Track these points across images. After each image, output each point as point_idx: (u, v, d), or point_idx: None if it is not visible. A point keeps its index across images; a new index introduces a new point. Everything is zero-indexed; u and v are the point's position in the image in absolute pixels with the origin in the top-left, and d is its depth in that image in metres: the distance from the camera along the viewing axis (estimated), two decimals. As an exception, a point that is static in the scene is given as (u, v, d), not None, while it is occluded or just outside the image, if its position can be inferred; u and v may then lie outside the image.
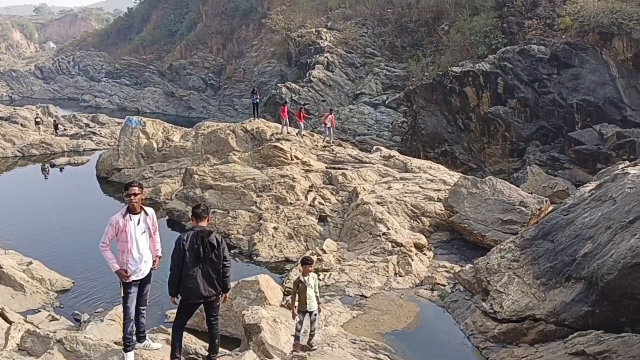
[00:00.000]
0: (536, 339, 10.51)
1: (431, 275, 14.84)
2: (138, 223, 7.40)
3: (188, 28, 79.96)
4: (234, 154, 25.26)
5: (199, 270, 7.13)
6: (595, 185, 12.96)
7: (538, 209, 16.68)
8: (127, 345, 7.52)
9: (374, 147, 28.96)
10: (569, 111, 31.26)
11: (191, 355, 8.97)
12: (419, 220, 18.69)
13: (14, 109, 49.85)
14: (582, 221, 11.43)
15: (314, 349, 9.55)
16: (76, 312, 14.59)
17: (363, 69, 47.70)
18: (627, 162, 16.19)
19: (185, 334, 8.06)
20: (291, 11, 59.77)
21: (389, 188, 21.21)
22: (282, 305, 12.89)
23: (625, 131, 28.59)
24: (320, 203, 20.82)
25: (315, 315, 9.49)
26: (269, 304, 12.40)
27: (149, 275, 7.69)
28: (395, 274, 15.00)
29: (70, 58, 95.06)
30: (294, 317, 9.39)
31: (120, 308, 8.49)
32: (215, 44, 73.12)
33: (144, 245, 7.49)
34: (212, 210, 20.34)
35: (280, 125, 28.46)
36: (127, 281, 7.37)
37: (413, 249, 16.32)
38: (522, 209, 16.77)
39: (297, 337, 9.44)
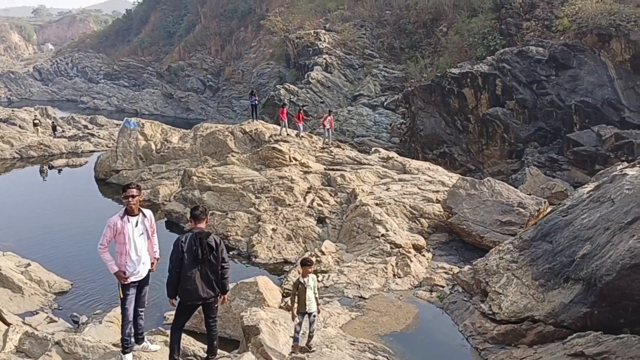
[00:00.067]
0: (535, 340, 10.51)
1: (430, 277, 14.84)
2: (136, 225, 7.40)
3: (186, 29, 79.97)
4: (232, 156, 25.24)
5: (198, 272, 7.12)
6: (594, 187, 12.96)
7: (536, 210, 16.69)
8: (125, 347, 7.51)
9: (373, 149, 28.97)
10: (567, 112, 31.31)
11: (189, 357, 8.94)
12: (417, 222, 18.70)
13: (12, 110, 49.82)
14: (580, 222, 11.44)
15: (313, 351, 9.54)
16: (74, 313, 14.56)
17: (361, 70, 47.73)
18: (626, 163, 16.19)
19: (183, 335, 8.05)
20: (290, 13, 59.80)
21: (387, 189, 21.21)
22: (280, 307, 12.87)
23: (624, 132, 28.65)
24: (318, 204, 20.81)
25: (314, 316, 9.48)
26: (268, 306, 12.38)
27: (147, 276, 7.68)
28: (394, 275, 14.99)
29: (69, 60, 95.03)
30: (293, 319, 9.38)
31: (118, 310, 8.46)
32: (213, 46, 73.13)
33: (142, 247, 7.48)
34: (210, 211, 20.34)
35: (279, 127, 28.45)
36: (126, 283, 7.36)
37: (412, 250, 16.32)
38: (521, 210, 16.78)
39: (296, 339, 9.43)
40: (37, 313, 14.26)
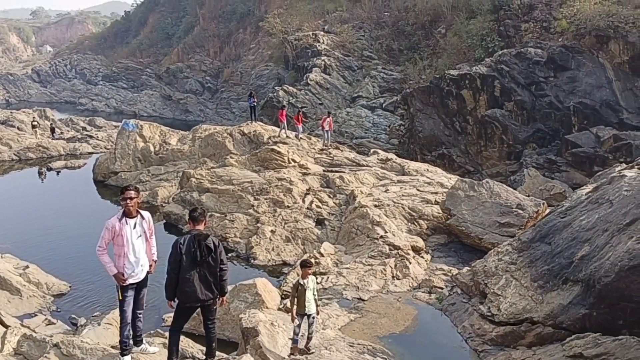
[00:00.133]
0: (534, 341, 10.51)
1: (429, 278, 14.83)
2: (134, 227, 7.39)
3: (185, 31, 80.00)
4: (231, 157, 25.23)
5: (196, 274, 7.12)
6: (592, 188, 12.97)
7: (535, 212, 16.69)
8: (124, 349, 7.51)
9: (372, 150, 28.97)
10: (565, 114, 31.36)
11: (188, 359, 8.94)
12: (416, 223, 18.69)
13: (11, 112, 49.75)
14: (579, 224, 11.44)
15: (312, 353, 9.53)
16: (73, 316, 14.53)
17: (360, 72, 47.76)
18: (624, 165, 16.21)
19: (182, 337, 8.05)
20: (288, 14, 59.85)
21: (386, 191, 21.21)
22: (279, 309, 12.86)
23: (622, 134, 28.69)
24: (317, 206, 20.80)
25: (313, 318, 9.47)
26: (267, 308, 12.37)
27: (146, 279, 7.68)
28: (393, 277, 14.99)
29: (67, 61, 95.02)
30: (292, 320, 9.37)
31: (117, 312, 8.46)
32: (212, 47, 73.16)
33: (141, 249, 7.48)
34: (209, 213, 20.34)
35: (277, 129, 28.46)
36: (124, 285, 7.35)
37: (410, 252, 16.31)
38: (520, 211, 16.78)
39: (295, 341, 9.42)
40: (36, 315, 14.24)
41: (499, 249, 13.16)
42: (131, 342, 7.64)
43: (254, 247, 18.71)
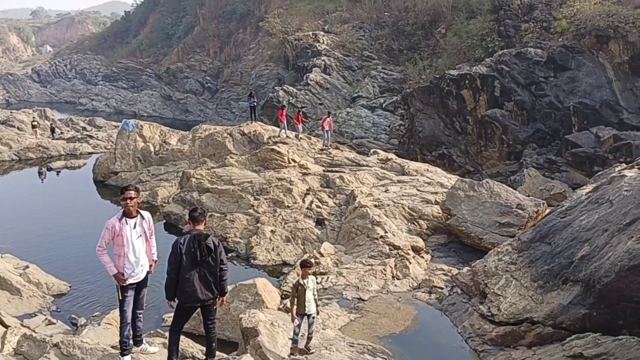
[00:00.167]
0: (534, 341, 10.51)
1: (429, 278, 14.83)
2: (134, 227, 7.39)
3: (185, 31, 80.00)
4: (231, 157, 25.23)
5: (196, 274, 7.12)
6: (592, 188, 12.97)
7: (535, 212, 16.69)
8: (124, 349, 7.51)
9: (372, 150, 28.97)
10: (565, 114, 31.36)
11: (188, 359, 8.94)
12: (416, 223, 18.69)
13: (11, 112, 49.76)
14: (579, 224, 11.44)
15: (312, 353, 9.54)
16: (73, 316, 14.54)
17: (360, 72, 47.76)
18: (624, 165, 16.21)
19: (182, 337, 8.05)
20: (288, 14, 59.85)
21: (386, 191, 21.21)
22: (279, 309, 12.86)
23: (622, 134, 28.69)
24: (317, 206, 20.80)
25: (313, 318, 9.47)
26: (267, 308, 12.37)
27: (146, 279, 7.68)
28: (393, 277, 14.99)
29: (67, 61, 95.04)
30: (293, 320, 9.37)
31: (117, 312, 8.46)
32: (212, 47, 73.16)
33: (141, 249, 7.48)
34: (209, 213, 20.35)
35: (277, 129, 28.46)
36: (124, 285, 7.35)
37: (410, 251, 16.31)
38: (520, 211, 16.78)
39: (295, 341, 9.42)
40: (36, 315, 14.25)
41: (499, 249, 13.16)
42: (131, 342, 7.64)
43: (254, 247, 18.71)
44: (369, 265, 15.51)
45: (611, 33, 31.07)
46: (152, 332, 10.36)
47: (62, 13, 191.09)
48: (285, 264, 18.02)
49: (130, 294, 7.45)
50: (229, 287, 11.15)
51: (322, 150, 26.64)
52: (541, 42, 34.17)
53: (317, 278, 12.17)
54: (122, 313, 7.47)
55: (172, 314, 7.65)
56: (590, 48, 31.91)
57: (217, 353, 7.95)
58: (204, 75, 71.51)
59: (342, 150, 27.34)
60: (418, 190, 21.13)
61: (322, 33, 52.01)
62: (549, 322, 10.39)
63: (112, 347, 8.41)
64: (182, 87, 71.84)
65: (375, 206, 19.15)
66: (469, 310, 12.35)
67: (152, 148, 30.09)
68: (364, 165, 24.48)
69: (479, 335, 11.42)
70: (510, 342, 10.86)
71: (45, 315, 14.30)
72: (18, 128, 43.73)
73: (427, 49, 45.27)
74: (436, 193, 20.49)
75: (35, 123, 43.15)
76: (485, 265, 12.75)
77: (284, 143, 25.90)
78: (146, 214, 7.62)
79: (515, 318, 11.00)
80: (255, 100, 31.19)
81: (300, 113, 29.26)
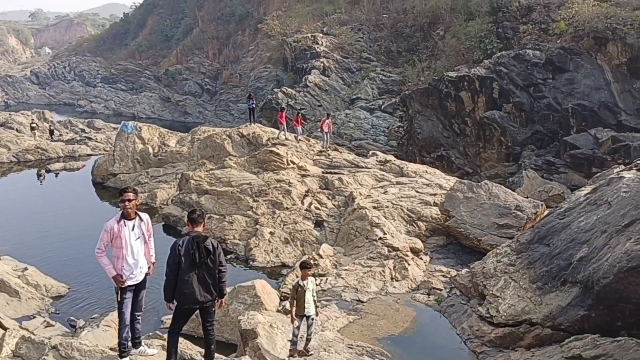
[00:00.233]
0: (532, 343, 10.51)
1: (427, 280, 14.84)
2: (133, 229, 7.39)
3: (184, 33, 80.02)
4: (230, 159, 25.23)
5: (195, 276, 7.11)
6: (591, 190, 12.99)
7: (534, 213, 16.71)
8: (122, 351, 7.50)
9: (370, 152, 28.99)
10: (564, 116, 31.39)
11: (187, 361, 8.93)
12: (415, 225, 18.70)
13: (10, 114, 49.82)
14: (577, 225, 11.45)
15: (311, 354, 9.53)
16: (71, 318, 14.54)
17: (359, 73, 47.78)
18: (622, 166, 16.24)
19: (181, 339, 8.04)
20: (287, 16, 59.90)
21: (385, 193, 21.22)
22: (278, 311, 12.86)
23: (620, 135, 28.71)
24: (316, 208, 20.80)
25: (312, 319, 9.47)
26: (266, 309, 12.37)
27: (144, 280, 7.68)
28: (392, 278, 14.99)
29: (66, 63, 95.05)
30: (292, 322, 9.36)
31: (115, 314, 8.46)
32: (211, 49, 73.19)
33: (139, 250, 7.48)
34: (208, 215, 20.35)
35: (276, 130, 28.48)
36: (123, 287, 7.35)
37: (409, 253, 16.32)
38: (518, 213, 16.79)
39: (294, 342, 9.41)
40: (34, 317, 14.23)
41: (498, 251, 13.16)
42: (130, 344, 7.64)
43: (252, 248, 18.70)
44: (367, 266, 15.51)
45: (609, 35, 31.11)
46: (150, 334, 10.34)
47: (61, 15, 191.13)
48: (284, 265, 18.02)
49: (129, 295, 7.45)
50: (228, 289, 11.15)
51: (321, 152, 26.66)
52: (539, 43, 34.21)
53: (316, 280, 12.17)
54: (121, 315, 7.47)
55: (170, 316, 7.64)
56: (588, 50, 31.95)
57: (216, 355, 7.95)
58: (203, 77, 71.53)
59: (341, 152, 27.35)
60: (417, 191, 21.15)
61: (320, 35, 52.05)
62: (547, 323, 10.40)
63: (111, 349, 8.40)
64: (181, 89, 71.85)
65: (374, 208, 19.15)
66: (467, 312, 12.35)
67: (150, 150, 30.09)
68: (362, 167, 24.49)
69: (478, 336, 11.42)
70: (509, 344, 10.86)
71: (43, 317, 14.29)
72: (17, 130, 43.73)
73: (426, 50, 45.31)
74: (435, 195, 20.51)
75: (34, 125, 43.18)
76: (484, 267, 12.75)
77: (283, 145, 25.91)
78: (145, 216, 7.63)
79: (514, 319, 11.00)
80: (254, 102, 31.21)
81: (300, 115, 29.27)
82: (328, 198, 21.47)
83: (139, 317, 7.76)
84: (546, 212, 16.09)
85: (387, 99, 43.74)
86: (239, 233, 20.00)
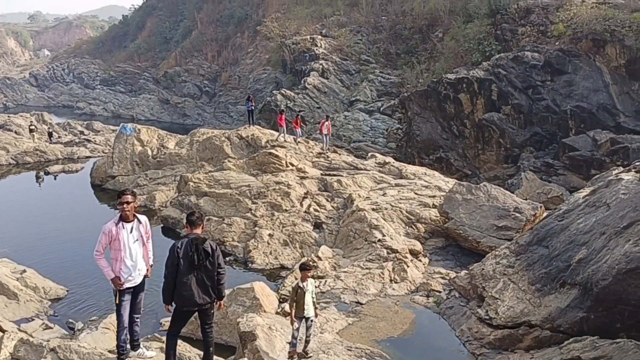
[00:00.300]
0: (532, 345, 10.51)
1: (427, 282, 14.84)
2: (131, 231, 7.39)
3: (183, 35, 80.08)
4: (229, 161, 25.23)
5: (194, 278, 7.10)
6: (590, 191, 13.00)
7: (533, 215, 16.72)
8: (120, 354, 7.49)
9: (369, 154, 29.00)
10: (562, 117, 31.43)
11: (186, 364, 8.92)
12: (414, 227, 18.69)
13: (8, 116, 49.77)
14: (576, 227, 11.46)
15: (310, 357, 9.52)
16: (70, 320, 14.51)
17: (358, 75, 47.83)
18: (621, 168, 16.25)
19: (179, 342, 8.02)
20: (286, 18, 59.98)
21: (384, 194, 21.22)
22: (277, 313, 12.84)
23: (619, 137, 28.75)
24: (315, 210, 20.80)
25: (311, 321, 9.45)
26: (264, 312, 12.35)
27: (143, 283, 7.67)
28: (391, 280, 14.98)
29: (65, 65, 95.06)
30: (292, 324, 9.35)
31: (114, 316, 8.45)
32: (210, 51, 73.23)
33: (138, 253, 7.47)
34: (207, 217, 20.33)
35: (275, 133, 28.48)
36: (121, 289, 7.34)
37: (408, 255, 16.31)
38: (517, 215, 16.80)
39: (293, 344, 9.39)
40: (33, 320, 14.19)
41: (497, 252, 13.17)
42: (128, 346, 7.63)
43: (251, 250, 18.69)
44: (366, 268, 15.50)
45: (608, 37, 31.18)
46: (149, 336, 10.33)
47: (60, 17, 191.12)
48: (283, 267, 18.00)
49: (127, 298, 7.44)
50: (227, 291, 11.15)
51: (320, 154, 26.65)
52: (538, 45, 34.27)
53: (315, 281, 12.17)
54: (119, 317, 7.46)
55: (169, 318, 7.63)
56: (587, 52, 32.01)
57: (215, 357, 7.93)
58: (202, 79, 71.55)
59: (339, 154, 27.35)
60: (416, 193, 21.15)
61: (319, 37, 52.11)
62: (546, 325, 10.40)
63: (110, 351, 8.39)
64: (180, 91, 71.86)
65: (373, 210, 19.15)
66: (466, 314, 12.35)
67: (149, 152, 30.08)
68: (361, 169, 24.50)
69: (477, 338, 11.41)
70: (508, 346, 10.86)
71: (42, 319, 14.26)
72: (16, 132, 43.71)
73: (425, 52, 45.37)
74: (434, 196, 20.51)
75: (32, 127, 43.16)
76: (483, 269, 12.75)
77: (282, 147, 25.91)
78: (143, 218, 7.62)
79: (513, 321, 11.00)
80: (253, 104, 31.21)
81: (299, 117, 29.28)
82: (327, 200, 21.46)
83: (138, 320, 7.75)
84: (545, 214, 16.10)
85: (386, 101, 43.78)
86: (237, 235, 19.98)
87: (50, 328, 13.47)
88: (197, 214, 7.41)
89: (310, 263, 11.95)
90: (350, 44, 50.28)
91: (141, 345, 8.03)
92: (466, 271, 13.85)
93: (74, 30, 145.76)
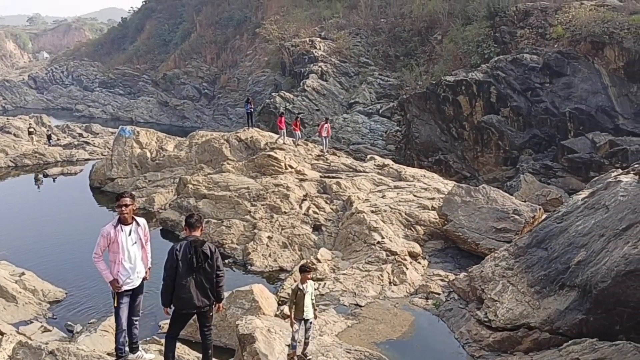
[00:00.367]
0: (531, 347, 10.51)
1: (426, 284, 14.83)
2: (129, 234, 7.39)
3: (182, 38, 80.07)
4: (228, 163, 25.23)
5: (192, 280, 7.10)
6: (589, 194, 13.01)
7: (531, 217, 16.73)
8: (119, 356, 7.49)
9: (368, 156, 29.02)
10: (561, 120, 31.46)
11: (185, 366, 8.91)
12: (413, 229, 18.70)
13: (7, 119, 49.72)
14: (575, 229, 11.46)
15: (309, 359, 9.50)
16: (69, 322, 14.49)
17: (357, 78, 47.86)
18: (620, 170, 16.27)
19: (178, 344, 8.02)
20: (285, 21, 60.01)
21: (383, 197, 21.22)
22: (276, 315, 12.83)
23: (618, 139, 28.77)
24: (314, 212, 20.80)
25: (310, 323, 9.44)
26: (263, 314, 12.35)
27: (141, 285, 7.66)
28: (390, 282, 14.98)
29: (64, 68, 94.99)
30: (292, 325, 9.33)
31: (113, 319, 8.43)
32: (209, 54, 73.23)
33: (136, 255, 7.46)
34: (206, 219, 20.30)
35: (274, 135, 28.48)
36: (119, 291, 7.33)
37: (407, 257, 16.31)
38: (516, 217, 16.81)
39: (293, 346, 9.38)
40: (31, 322, 14.19)
41: (496, 255, 13.17)
42: (127, 349, 7.61)
43: (250, 253, 18.68)
44: (366, 271, 15.49)
45: (606, 39, 31.22)
46: (148, 338, 10.33)
47: (59, 20, 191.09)
48: (282, 270, 18.00)
49: (126, 300, 7.43)
50: (226, 294, 11.13)
51: (319, 156, 26.66)
52: (537, 48, 34.31)
53: (314, 284, 12.15)
54: (118, 320, 7.45)
55: (168, 321, 7.62)
56: (585, 54, 32.05)
57: (214, 360, 7.93)
58: (201, 82, 71.55)
59: (338, 156, 27.37)
60: (415, 196, 21.16)
61: (318, 39, 52.14)
62: (545, 327, 10.39)
63: (108, 354, 8.38)
64: (179, 94, 71.85)
65: (372, 212, 19.16)
66: (466, 316, 12.34)
67: (148, 154, 30.07)
68: (360, 171, 24.51)
69: (476, 341, 11.41)
70: (507, 348, 10.86)
71: (41, 322, 14.25)
72: (14, 134, 43.68)
73: (424, 55, 45.41)
74: (433, 199, 20.52)
75: (31, 129, 43.14)
76: (482, 271, 12.75)
77: (281, 149, 25.92)
78: (142, 221, 7.61)
79: (512, 324, 11.00)
80: (252, 106, 31.24)
81: (298, 119, 29.30)
82: (326, 202, 21.46)
83: (137, 322, 7.73)
84: (544, 216, 16.11)
85: (385, 103, 43.81)
86: (236, 237, 19.97)
87: (49, 331, 13.46)
88: (195, 217, 7.40)
89: (310, 265, 11.94)
90: (349, 47, 50.32)
91: (140, 348, 8.01)
92: (465, 273, 13.84)
93: (73, 32, 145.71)
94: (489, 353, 11.00)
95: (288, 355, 9.52)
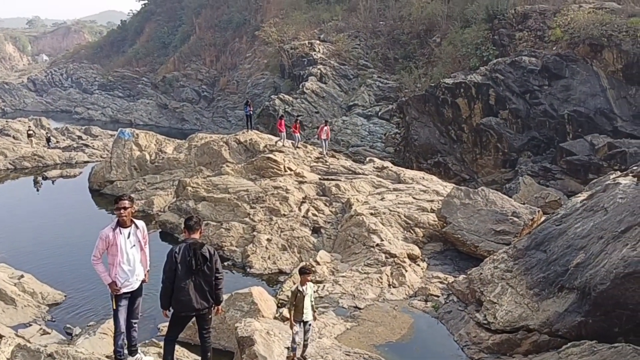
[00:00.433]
0: (530, 349, 10.51)
1: (425, 286, 14.83)
2: (128, 236, 7.39)
3: (181, 40, 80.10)
4: (227, 166, 25.23)
5: (191, 283, 7.10)
6: (587, 196, 13.02)
7: (530, 220, 16.73)
8: (118, 359, 7.47)
9: (367, 158, 29.03)
10: (560, 122, 31.49)
11: (184, 369, 8.91)
12: (412, 231, 18.70)
13: (6, 121, 49.73)
14: (574, 231, 11.48)
15: (308, 362, 9.51)
16: (68, 325, 14.48)
17: (356, 80, 47.90)
18: (619, 172, 16.28)
19: (177, 347, 8.02)
20: (284, 23, 60.04)
21: (382, 199, 21.23)
22: (275, 318, 12.83)
23: (617, 142, 28.80)
24: (313, 214, 20.80)
25: (309, 325, 9.45)
26: (263, 317, 12.35)
27: (140, 288, 7.66)
28: (389, 285, 14.98)
29: (63, 70, 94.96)
30: (291, 327, 9.33)
31: (112, 321, 8.42)
32: (208, 56, 73.26)
33: (135, 258, 7.47)
34: (205, 222, 20.30)
35: (274, 137, 28.49)
36: (118, 294, 7.33)
37: (407, 259, 16.31)
38: (515, 219, 16.81)
39: (293, 348, 9.38)
40: (30, 325, 14.17)
41: (495, 257, 13.18)
42: (125, 351, 7.61)
43: (250, 255, 18.68)
44: (365, 273, 15.50)
45: (605, 42, 31.26)
46: (147, 341, 10.33)
47: (58, 22, 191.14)
48: (281, 272, 17.99)
49: (124, 303, 7.43)
50: (225, 296, 11.13)
51: (318, 158, 26.67)
52: (535, 50, 34.36)
53: (314, 286, 12.15)
54: (117, 322, 7.46)
55: (167, 323, 7.62)
56: (584, 56, 32.10)
57: (213, 362, 7.92)
58: (200, 84, 71.56)
59: (338, 159, 27.39)
60: (414, 198, 21.16)
61: (318, 42, 52.18)
62: (544, 329, 10.40)
63: (107, 357, 8.37)
64: (178, 96, 71.86)
65: (371, 214, 19.16)
66: (465, 318, 12.35)
67: (148, 157, 30.07)
68: (360, 174, 24.52)
69: (475, 343, 11.41)
70: (507, 350, 10.86)
71: (40, 324, 14.23)
72: (14, 137, 43.66)
73: (423, 57, 45.45)
74: (432, 201, 20.52)
75: (31, 132, 43.12)
76: (481, 273, 12.76)
77: (280, 151, 25.93)
78: (140, 223, 7.62)
79: (511, 326, 11.00)
80: (251, 108, 31.24)
81: (298, 122, 29.32)
82: (325, 205, 21.47)
83: (136, 325, 7.74)
84: (543, 218, 16.13)
85: (384, 105, 43.84)
86: (236, 240, 19.97)
87: (48, 333, 13.44)
88: (195, 219, 7.41)
89: (310, 267, 11.95)
90: (348, 49, 50.36)
91: (139, 351, 8.01)
92: (464, 275, 13.85)
93: (73, 35, 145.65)
94: (488, 355, 11.00)
95: (287, 357, 9.52)
